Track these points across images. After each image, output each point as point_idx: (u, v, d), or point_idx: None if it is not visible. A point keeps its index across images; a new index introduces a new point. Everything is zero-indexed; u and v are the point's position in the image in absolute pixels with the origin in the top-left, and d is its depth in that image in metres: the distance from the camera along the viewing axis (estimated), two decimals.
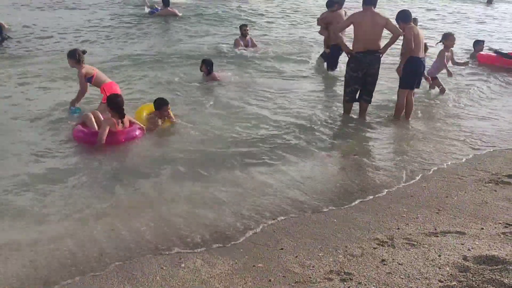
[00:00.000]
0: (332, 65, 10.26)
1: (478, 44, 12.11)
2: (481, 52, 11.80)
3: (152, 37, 13.64)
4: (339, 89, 8.69)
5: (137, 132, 6.41)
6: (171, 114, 6.89)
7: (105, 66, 9.65)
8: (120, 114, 6.24)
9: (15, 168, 5.50)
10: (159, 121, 6.76)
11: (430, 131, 7.18)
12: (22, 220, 4.41)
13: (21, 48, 11.93)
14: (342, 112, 7.65)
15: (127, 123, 6.39)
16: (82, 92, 7.32)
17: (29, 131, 6.67)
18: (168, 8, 16.67)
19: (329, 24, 9.80)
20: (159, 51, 11.83)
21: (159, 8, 16.90)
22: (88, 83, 7.33)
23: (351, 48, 7.21)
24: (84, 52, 7.35)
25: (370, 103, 7.54)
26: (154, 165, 5.70)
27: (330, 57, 10.29)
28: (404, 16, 7.22)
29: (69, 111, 7.28)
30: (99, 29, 14.35)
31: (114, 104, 6.23)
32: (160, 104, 6.78)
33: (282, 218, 4.57)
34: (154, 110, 6.86)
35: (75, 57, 7.18)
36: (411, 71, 7.22)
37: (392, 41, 7.06)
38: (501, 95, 9.40)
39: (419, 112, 7.94)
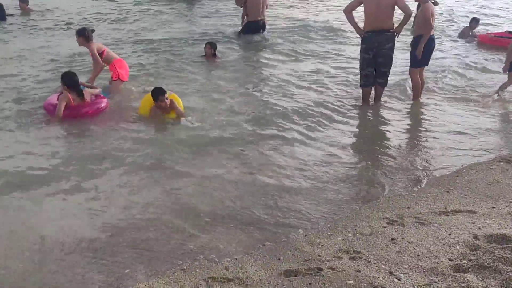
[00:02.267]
0: (247, 34, 11.24)
1: (472, 22, 11.97)
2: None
3: (165, 20, 13.43)
4: (352, 71, 8.63)
5: (102, 105, 6.62)
6: (176, 105, 6.48)
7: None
8: (76, 91, 6.44)
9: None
10: (159, 112, 6.45)
11: (445, 110, 7.12)
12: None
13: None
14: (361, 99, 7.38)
15: (88, 98, 6.55)
16: (99, 67, 7.23)
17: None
18: None
19: (245, 2, 11.03)
20: (169, 34, 11.73)
21: None
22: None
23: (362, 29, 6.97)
24: (92, 31, 7.35)
25: (385, 86, 7.29)
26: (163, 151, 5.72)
27: (246, 30, 11.24)
28: None
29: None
30: (111, 12, 14.24)
31: (70, 82, 6.44)
32: (154, 95, 6.38)
33: (291, 198, 4.57)
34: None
35: (84, 35, 7.14)
36: (425, 50, 7.09)
37: (405, 20, 6.83)
38: None
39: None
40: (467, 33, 11.86)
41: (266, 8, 11.44)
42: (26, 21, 12.75)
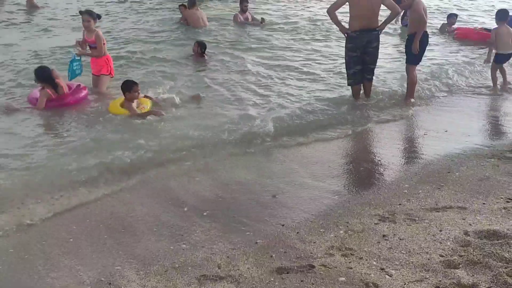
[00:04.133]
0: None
1: (451, 17, 12.06)
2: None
3: (157, 16, 13.39)
4: (340, 69, 8.62)
5: (82, 95, 6.99)
6: (151, 98, 6.61)
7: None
8: (52, 85, 6.62)
9: None
10: (134, 105, 6.45)
11: (436, 107, 7.15)
12: None
13: None
14: (351, 95, 7.34)
15: (65, 89, 6.82)
16: (98, 55, 7.34)
17: None
18: None
19: (185, 19, 11.97)
20: (157, 30, 11.72)
21: None
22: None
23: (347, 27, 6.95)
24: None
25: (372, 80, 7.32)
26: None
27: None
28: None
29: (72, 54, 7.29)
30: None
31: (45, 78, 6.62)
32: (128, 86, 6.44)
33: (282, 195, 4.57)
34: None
35: (95, 18, 7.28)
36: (420, 46, 7.10)
37: (390, 17, 6.88)
38: None
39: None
40: (444, 29, 11.97)
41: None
42: (25, 16, 12.85)
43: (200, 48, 9.38)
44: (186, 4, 12.30)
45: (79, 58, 7.27)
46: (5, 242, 3.79)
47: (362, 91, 7.31)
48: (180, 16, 12.38)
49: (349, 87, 7.32)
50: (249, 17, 12.37)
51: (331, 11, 6.82)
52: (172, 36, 11.27)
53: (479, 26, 12.04)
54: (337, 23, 6.91)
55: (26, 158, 5.21)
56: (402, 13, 11.63)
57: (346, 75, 7.24)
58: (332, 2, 6.89)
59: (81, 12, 7.45)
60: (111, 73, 7.51)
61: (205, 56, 9.45)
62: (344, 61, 7.26)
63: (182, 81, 8.00)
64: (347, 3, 6.75)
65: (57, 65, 8.09)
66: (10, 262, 3.54)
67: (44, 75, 6.64)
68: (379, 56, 7.20)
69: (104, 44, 7.36)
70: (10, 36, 10.77)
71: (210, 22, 12.40)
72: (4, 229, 3.93)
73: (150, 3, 15.23)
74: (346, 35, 6.97)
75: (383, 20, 6.92)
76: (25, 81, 7.73)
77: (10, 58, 9.06)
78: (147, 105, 6.64)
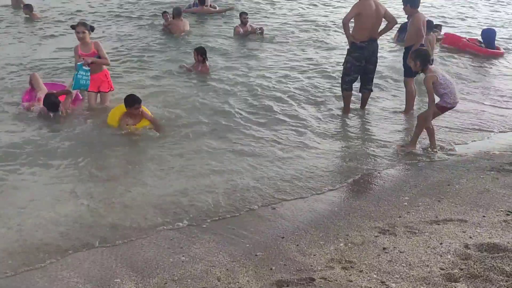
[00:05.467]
0: None
1: (437, 28, 12.18)
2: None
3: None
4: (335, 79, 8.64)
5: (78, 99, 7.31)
6: (148, 114, 6.34)
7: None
8: (51, 109, 6.67)
9: None
10: (130, 121, 6.27)
11: (436, 120, 7.15)
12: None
13: None
14: (342, 105, 7.39)
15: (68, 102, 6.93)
16: (105, 63, 7.14)
17: None
18: (204, 6, 14.86)
19: (169, 31, 12.35)
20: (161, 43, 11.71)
21: (191, 4, 15.07)
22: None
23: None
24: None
25: (371, 91, 7.42)
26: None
27: None
28: (413, 0, 7.13)
29: (80, 63, 6.91)
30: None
31: (48, 106, 6.65)
32: (129, 102, 6.21)
33: (282, 208, 4.57)
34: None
35: (89, 30, 7.00)
36: None
37: (388, 28, 7.16)
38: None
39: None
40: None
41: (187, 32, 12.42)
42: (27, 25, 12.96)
43: (201, 55, 9.10)
44: (168, 11, 12.92)
45: (86, 68, 6.86)
46: (4, 253, 3.77)
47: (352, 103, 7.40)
48: (162, 23, 12.85)
49: (342, 98, 7.39)
50: (250, 29, 12.42)
51: (347, 22, 6.93)
52: (164, 48, 11.06)
53: (469, 37, 12.08)
54: (348, 33, 7.04)
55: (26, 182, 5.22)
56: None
57: (341, 81, 7.30)
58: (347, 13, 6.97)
59: (73, 27, 7.00)
60: (111, 88, 7.27)
61: (207, 63, 9.15)
62: (342, 68, 7.31)
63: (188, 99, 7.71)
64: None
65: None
66: (9, 274, 3.52)
67: (49, 104, 6.62)
68: (377, 68, 7.33)
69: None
70: (9, 45, 10.89)
71: (209, 34, 12.44)
72: (4, 241, 3.93)
73: (133, 16, 14.81)
74: (349, 44, 7.05)
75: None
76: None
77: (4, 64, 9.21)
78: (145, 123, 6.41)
